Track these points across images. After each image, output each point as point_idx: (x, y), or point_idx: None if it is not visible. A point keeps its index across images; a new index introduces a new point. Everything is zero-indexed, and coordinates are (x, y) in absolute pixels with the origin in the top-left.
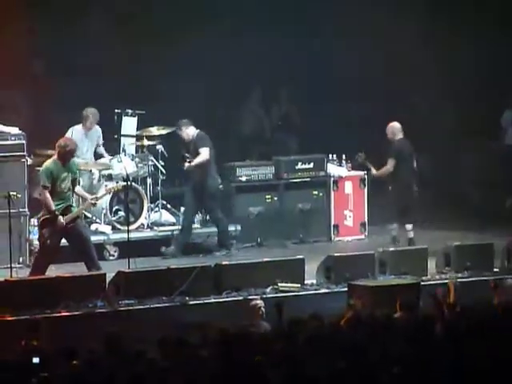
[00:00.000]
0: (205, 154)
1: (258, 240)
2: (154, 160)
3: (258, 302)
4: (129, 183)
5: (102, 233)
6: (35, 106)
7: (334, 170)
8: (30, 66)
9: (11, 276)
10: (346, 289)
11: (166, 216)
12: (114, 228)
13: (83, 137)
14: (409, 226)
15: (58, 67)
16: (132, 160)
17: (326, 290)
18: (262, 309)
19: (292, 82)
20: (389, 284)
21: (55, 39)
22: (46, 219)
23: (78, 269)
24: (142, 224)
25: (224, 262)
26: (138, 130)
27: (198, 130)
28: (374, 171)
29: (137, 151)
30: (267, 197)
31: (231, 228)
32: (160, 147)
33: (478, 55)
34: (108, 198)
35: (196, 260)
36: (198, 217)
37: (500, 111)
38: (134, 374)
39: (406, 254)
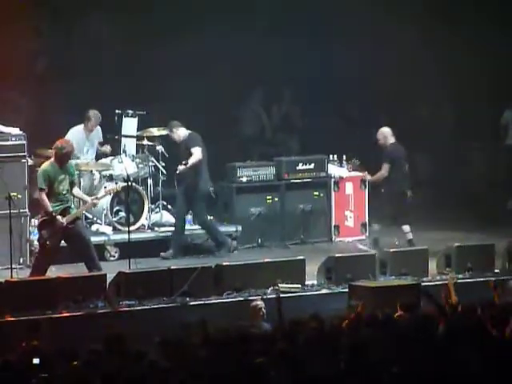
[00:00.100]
0: (197, 153)
1: (259, 241)
2: (155, 161)
3: (259, 302)
4: (129, 184)
5: (103, 233)
6: (36, 106)
7: (334, 170)
8: (31, 66)
9: (12, 276)
10: (346, 289)
11: (167, 217)
12: (114, 229)
13: (84, 138)
14: (406, 228)
15: (59, 67)
16: (133, 161)
17: (327, 291)
18: (263, 309)
19: (292, 82)
20: (389, 285)
21: (55, 39)
22: (45, 220)
23: (79, 269)
24: (143, 225)
25: (225, 263)
26: (138, 130)
27: (189, 131)
28: (368, 177)
29: (137, 152)
30: (268, 197)
31: (232, 228)
32: (160, 148)
33: (478, 55)
34: (109, 198)
35: (196, 261)
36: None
37: (500, 111)
38: (134, 375)
39: (406, 255)
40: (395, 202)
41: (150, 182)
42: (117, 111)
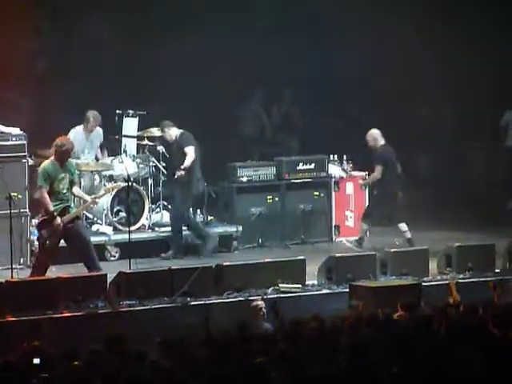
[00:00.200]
0: (191, 153)
1: (259, 241)
2: (155, 161)
3: (259, 302)
4: (130, 184)
5: (103, 234)
6: (36, 106)
7: (335, 170)
8: (31, 66)
9: (12, 277)
10: (347, 289)
11: (167, 217)
12: (115, 229)
13: (84, 138)
14: (404, 226)
15: (59, 67)
16: (133, 161)
17: (328, 291)
18: (263, 309)
19: (292, 82)
20: (390, 285)
21: (55, 39)
22: (44, 220)
23: (79, 270)
24: (143, 225)
25: (225, 263)
26: (138, 130)
27: (181, 130)
28: (360, 181)
29: (138, 152)
30: (268, 197)
31: (232, 229)
32: (161, 148)
33: (478, 55)
34: (109, 198)
35: (197, 261)
36: (199, 218)
37: (500, 111)
38: (135, 375)
39: (407, 255)
40: (388, 203)
41: (150, 182)
42: (117, 111)
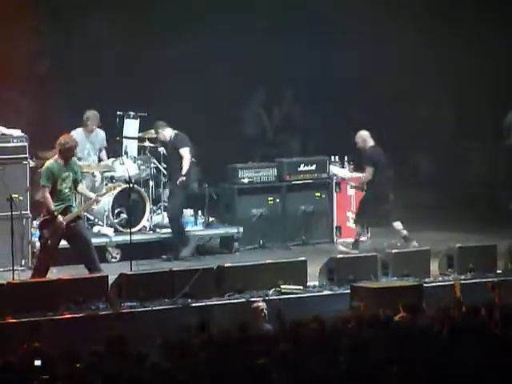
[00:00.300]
0: (187, 155)
1: (261, 242)
2: (156, 162)
3: (261, 304)
4: (131, 185)
5: (105, 235)
6: (36, 106)
7: (336, 171)
8: (31, 66)
9: (13, 278)
10: (348, 291)
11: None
12: (116, 230)
13: (84, 139)
14: (398, 225)
15: (59, 67)
16: (134, 162)
17: (329, 292)
18: (265, 311)
19: (292, 83)
20: (391, 286)
21: (55, 39)
22: (46, 219)
23: (80, 271)
24: (144, 226)
25: (226, 264)
26: (139, 132)
27: (176, 131)
28: (352, 183)
29: (139, 153)
30: (269, 199)
31: (234, 230)
32: (162, 149)
33: (478, 55)
34: (110, 200)
35: (198, 262)
36: (201, 219)
37: (500, 111)
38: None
39: (408, 256)
40: (379, 205)
41: (151, 183)
42: (118, 113)
